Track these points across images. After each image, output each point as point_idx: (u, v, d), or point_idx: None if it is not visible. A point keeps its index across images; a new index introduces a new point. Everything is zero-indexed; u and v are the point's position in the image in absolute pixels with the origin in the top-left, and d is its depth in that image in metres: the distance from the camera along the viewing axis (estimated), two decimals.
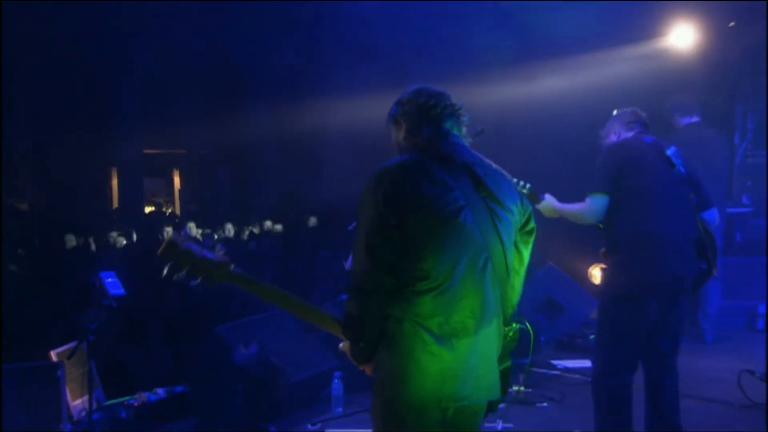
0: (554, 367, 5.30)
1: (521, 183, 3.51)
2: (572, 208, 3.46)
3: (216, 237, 9.67)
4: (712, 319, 5.94)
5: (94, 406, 3.72)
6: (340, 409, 4.44)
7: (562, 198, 3.56)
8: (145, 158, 15.82)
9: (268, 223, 10.58)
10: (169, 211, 16.98)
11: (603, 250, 3.42)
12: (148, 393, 4.26)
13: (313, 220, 10.45)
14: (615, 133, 3.52)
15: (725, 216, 5.94)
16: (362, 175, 2.12)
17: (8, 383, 3.63)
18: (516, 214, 2.20)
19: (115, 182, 15.76)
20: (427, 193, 2.01)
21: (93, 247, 8.09)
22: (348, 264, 2.57)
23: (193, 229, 9.62)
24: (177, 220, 12.57)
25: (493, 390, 2.12)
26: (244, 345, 4.40)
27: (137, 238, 9.09)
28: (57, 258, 7.48)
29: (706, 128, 5.77)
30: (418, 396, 2.01)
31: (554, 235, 4.51)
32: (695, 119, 5.74)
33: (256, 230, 10.23)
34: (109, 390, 4.34)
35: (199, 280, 2.06)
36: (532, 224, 2.30)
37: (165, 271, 2.03)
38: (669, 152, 3.38)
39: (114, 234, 8.69)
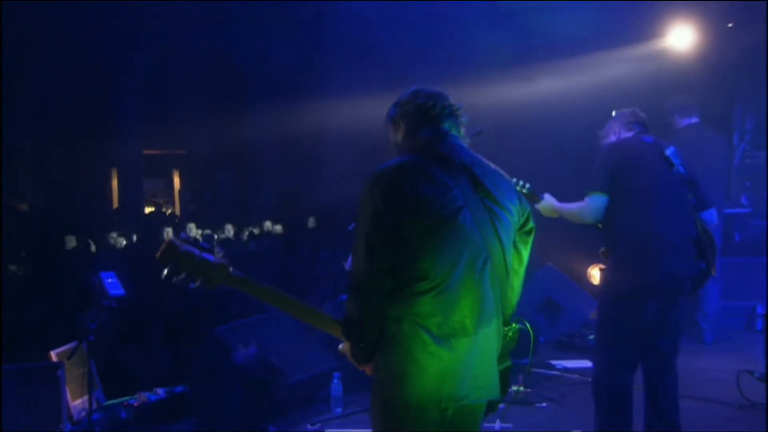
0: (553, 368, 5.31)
1: (521, 183, 3.52)
2: (571, 207, 3.47)
3: (216, 237, 9.68)
4: (711, 320, 5.96)
5: (94, 406, 3.72)
6: (339, 409, 4.45)
7: (561, 198, 3.57)
8: (145, 159, 15.83)
9: (267, 224, 10.59)
10: (169, 211, 16.98)
11: (602, 249, 3.43)
12: (148, 393, 4.26)
13: (312, 221, 10.46)
14: (614, 133, 3.53)
15: (723, 216, 5.94)
16: (362, 175, 2.13)
17: (8, 383, 3.63)
18: (515, 214, 2.20)
19: (115, 183, 15.78)
20: (426, 194, 2.02)
21: (93, 247, 8.10)
22: (348, 264, 2.58)
23: (193, 230, 9.63)
24: (177, 221, 12.58)
25: (492, 390, 2.12)
26: (243, 345, 4.41)
27: (137, 239, 9.11)
28: (57, 258, 7.48)
29: (705, 129, 5.78)
30: (418, 396, 2.01)
31: (553, 235, 4.52)
32: (694, 120, 5.75)
33: (256, 231, 10.24)
34: (109, 390, 4.34)
35: (198, 283, 2.06)
36: (530, 224, 2.30)
37: (164, 274, 2.04)
38: (668, 152, 3.39)
39: (114, 234, 8.70)
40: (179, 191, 18.62)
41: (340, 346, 2.22)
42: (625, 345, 3.31)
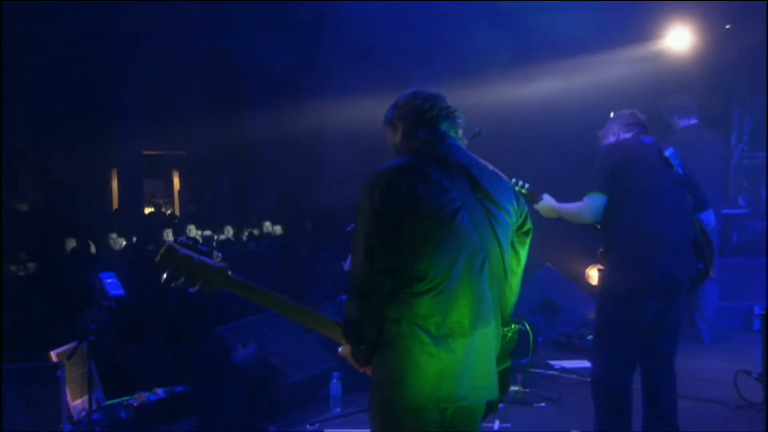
0: (551, 368, 5.32)
1: (520, 183, 3.53)
2: (570, 208, 3.47)
3: (216, 238, 9.70)
4: (709, 320, 5.97)
5: (94, 406, 3.72)
6: (338, 410, 4.45)
7: (560, 198, 3.58)
8: (145, 159, 15.84)
9: (267, 224, 10.60)
10: (169, 212, 16.99)
11: (601, 250, 3.44)
12: (148, 393, 4.27)
13: (312, 221, 10.47)
14: (614, 134, 3.54)
15: (721, 217, 5.96)
16: (362, 175, 2.14)
17: (8, 383, 3.63)
18: (513, 214, 2.21)
19: (115, 183, 15.78)
20: (424, 195, 2.03)
21: (93, 248, 8.11)
22: (347, 265, 2.59)
23: (193, 231, 9.65)
24: (177, 221, 12.59)
25: (491, 390, 2.13)
26: (243, 345, 4.42)
27: (137, 239, 9.11)
28: (57, 258, 7.49)
29: (704, 130, 5.79)
30: (416, 396, 2.02)
31: (552, 236, 4.54)
32: (693, 121, 5.76)
33: (255, 232, 10.25)
34: (109, 390, 4.35)
35: (197, 287, 2.07)
36: (528, 225, 2.31)
37: (163, 278, 2.05)
38: (667, 153, 3.40)
39: (114, 235, 8.71)
40: (179, 192, 18.62)
41: (340, 349, 2.22)
42: (624, 345, 3.32)
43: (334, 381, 4.47)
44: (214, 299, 5.56)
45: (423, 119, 2.21)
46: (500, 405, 2.27)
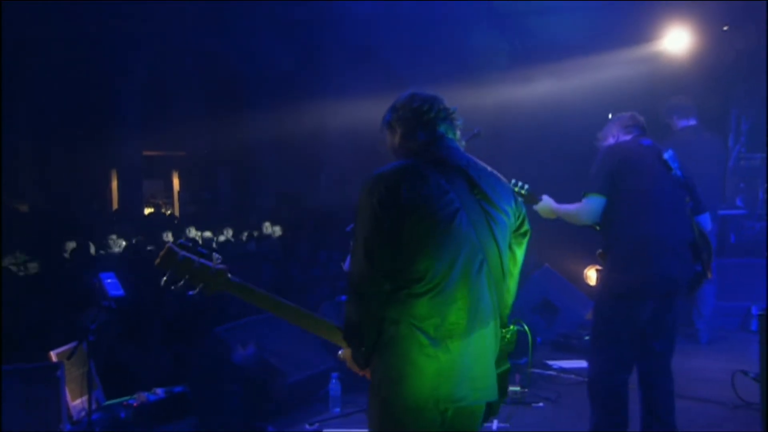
0: (550, 368, 5.33)
1: (519, 184, 3.54)
2: (569, 209, 3.48)
3: (216, 239, 9.71)
4: (707, 320, 5.97)
5: (94, 406, 3.73)
6: (337, 409, 4.46)
7: (559, 199, 3.59)
8: (144, 160, 15.85)
9: (266, 225, 10.62)
10: (169, 212, 17.01)
11: (600, 251, 3.45)
12: (148, 393, 4.27)
13: (311, 222, 10.49)
14: (613, 136, 3.55)
15: (718, 218, 5.98)
16: (361, 177, 2.15)
17: (8, 383, 3.63)
18: (511, 216, 2.21)
19: (114, 184, 15.80)
20: (423, 197, 2.04)
21: (92, 248, 8.12)
22: (345, 265, 2.61)
23: (193, 231, 9.66)
24: (176, 222, 12.61)
25: (490, 391, 2.14)
26: (242, 345, 4.43)
27: (136, 240, 9.13)
28: (57, 259, 7.50)
29: (702, 131, 5.81)
30: (415, 397, 2.02)
31: (550, 236, 4.55)
32: (692, 122, 5.77)
33: (255, 233, 10.27)
34: (109, 390, 4.35)
35: (197, 290, 2.09)
36: (526, 226, 2.32)
37: (163, 281, 2.06)
38: (666, 155, 3.41)
39: (114, 236, 8.73)
40: (178, 192, 18.64)
41: (340, 351, 2.23)
42: (621, 345, 3.33)
43: (334, 381, 4.48)
44: (214, 299, 5.54)
45: (421, 121, 2.22)
46: (501, 406, 2.27)
